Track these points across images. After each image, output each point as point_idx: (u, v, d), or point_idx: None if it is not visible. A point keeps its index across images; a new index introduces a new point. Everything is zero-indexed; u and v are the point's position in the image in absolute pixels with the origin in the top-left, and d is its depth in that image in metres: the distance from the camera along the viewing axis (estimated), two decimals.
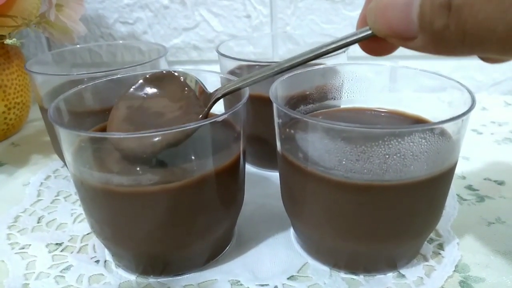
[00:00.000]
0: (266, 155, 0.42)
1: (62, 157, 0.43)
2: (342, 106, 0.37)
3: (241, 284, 0.29)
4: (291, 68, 0.27)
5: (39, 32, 0.50)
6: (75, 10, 0.51)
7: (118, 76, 0.35)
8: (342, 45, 0.25)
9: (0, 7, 0.41)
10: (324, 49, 0.26)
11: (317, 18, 0.61)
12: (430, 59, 0.61)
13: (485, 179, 0.41)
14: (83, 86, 0.33)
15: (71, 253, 0.33)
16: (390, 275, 0.30)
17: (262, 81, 0.28)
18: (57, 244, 0.34)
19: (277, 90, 0.31)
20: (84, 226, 0.36)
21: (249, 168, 0.44)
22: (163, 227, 0.28)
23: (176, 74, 0.32)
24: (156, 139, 0.26)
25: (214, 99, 0.30)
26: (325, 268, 0.30)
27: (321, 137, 0.26)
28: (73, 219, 0.37)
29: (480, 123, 0.53)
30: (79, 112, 0.32)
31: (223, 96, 0.30)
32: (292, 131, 0.28)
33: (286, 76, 0.32)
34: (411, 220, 0.27)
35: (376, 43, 0.24)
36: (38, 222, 0.37)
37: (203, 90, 0.31)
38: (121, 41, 0.62)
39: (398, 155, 0.24)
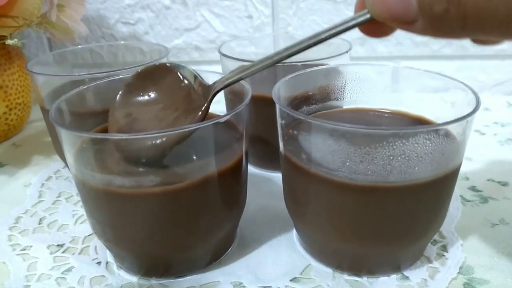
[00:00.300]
0: (269, 156, 0.42)
1: (63, 158, 0.43)
2: (344, 107, 0.37)
3: (243, 286, 0.29)
4: (290, 56, 0.27)
5: (41, 32, 0.50)
6: (77, 11, 0.51)
7: (120, 76, 0.34)
8: (341, 30, 0.25)
9: (1, 8, 0.41)
10: (323, 35, 0.25)
11: (319, 18, 0.61)
12: (432, 60, 0.61)
13: (488, 180, 0.41)
14: (85, 87, 0.32)
15: (73, 254, 0.33)
16: (394, 277, 0.30)
17: (262, 70, 0.28)
18: (58, 245, 0.34)
19: (280, 91, 0.30)
20: (85, 228, 0.36)
21: (251, 169, 0.44)
22: (165, 229, 0.28)
23: (170, 66, 0.31)
24: (160, 140, 0.26)
25: (214, 91, 0.29)
26: (328, 270, 0.30)
27: (324, 138, 0.25)
28: (75, 220, 0.37)
29: (483, 123, 0.52)
30: (81, 113, 0.32)
31: (223, 87, 0.29)
32: (295, 132, 0.27)
33: (289, 77, 0.32)
34: (415, 221, 0.27)
35: (375, 25, 0.23)
36: (39, 223, 0.37)
37: (201, 82, 0.30)
38: (122, 42, 0.62)
39: (403, 156, 0.24)
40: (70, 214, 0.38)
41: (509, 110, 0.56)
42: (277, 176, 0.43)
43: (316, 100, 0.35)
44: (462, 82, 0.30)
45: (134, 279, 0.30)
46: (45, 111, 0.40)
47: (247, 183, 0.33)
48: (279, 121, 0.29)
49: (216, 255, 0.31)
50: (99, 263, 0.32)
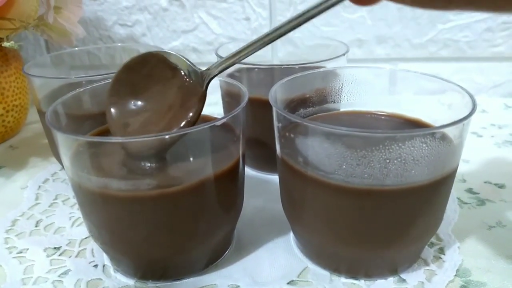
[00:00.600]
0: (265, 158, 0.42)
1: (60, 160, 0.42)
2: (341, 109, 0.37)
3: None
4: (280, 36, 0.27)
5: (38, 34, 0.50)
6: (74, 13, 0.51)
7: None
8: (329, 5, 0.25)
9: None
10: (312, 12, 0.25)
11: (317, 20, 0.60)
12: (429, 62, 0.61)
13: (485, 182, 0.41)
14: (81, 90, 0.32)
15: (69, 257, 0.33)
16: (391, 279, 0.29)
17: (254, 53, 0.28)
18: (55, 248, 0.34)
19: (277, 94, 0.30)
20: (82, 230, 0.36)
21: (248, 171, 0.44)
22: (161, 232, 0.28)
23: (158, 54, 0.30)
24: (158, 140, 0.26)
25: (210, 78, 0.29)
26: (325, 273, 0.30)
27: (321, 142, 0.25)
28: (71, 223, 0.37)
29: (480, 125, 0.52)
30: (77, 115, 0.32)
31: (218, 73, 0.29)
32: (292, 135, 0.27)
33: (286, 79, 0.32)
34: (412, 224, 0.27)
35: None
36: (36, 226, 0.37)
37: (192, 68, 0.30)
38: (120, 44, 0.62)
39: (399, 159, 0.24)
40: (67, 216, 0.38)
41: (506, 112, 0.57)
42: (274, 178, 0.42)
43: (313, 102, 0.35)
44: (458, 85, 0.30)
45: (131, 282, 0.30)
46: (41, 113, 0.40)
47: (244, 186, 0.33)
48: (275, 124, 0.29)
49: (213, 258, 0.31)
50: (95, 266, 0.32)
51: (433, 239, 0.33)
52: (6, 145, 0.53)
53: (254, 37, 0.63)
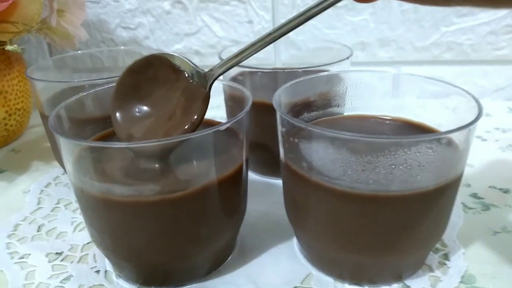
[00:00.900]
0: (269, 163, 0.42)
1: (62, 164, 0.42)
2: (345, 113, 0.37)
3: None
4: (282, 35, 0.27)
5: (41, 38, 0.50)
6: (77, 15, 0.51)
7: None
8: (330, 3, 0.25)
9: (1, 13, 0.41)
10: (313, 10, 0.25)
11: (319, 23, 0.61)
12: (433, 65, 0.61)
13: (490, 187, 0.40)
14: (84, 94, 0.32)
15: (71, 262, 0.33)
16: (395, 286, 0.29)
17: (256, 53, 0.28)
18: (57, 253, 0.34)
19: (281, 98, 0.30)
20: (84, 235, 0.36)
21: (251, 175, 0.44)
22: (164, 238, 0.28)
23: (161, 56, 0.30)
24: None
25: (213, 79, 0.29)
26: (328, 279, 0.30)
27: (325, 147, 0.25)
28: (74, 228, 0.37)
29: (484, 129, 0.52)
30: (80, 119, 0.32)
31: (221, 74, 0.29)
32: (296, 140, 0.27)
33: (290, 83, 0.32)
34: (417, 230, 0.27)
35: None
36: (38, 231, 0.37)
37: (195, 69, 0.30)
38: (122, 47, 0.62)
39: (405, 165, 0.24)
40: (69, 221, 0.38)
41: (510, 116, 0.56)
42: (277, 183, 0.42)
43: (317, 106, 0.35)
44: (463, 89, 0.30)
45: None
46: (44, 117, 0.40)
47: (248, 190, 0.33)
48: (279, 128, 0.29)
49: (216, 264, 0.31)
50: (97, 271, 0.32)
51: (437, 245, 0.32)
52: (8, 148, 0.53)
53: None
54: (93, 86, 0.34)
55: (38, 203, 0.41)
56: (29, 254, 0.34)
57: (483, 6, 0.19)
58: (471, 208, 0.37)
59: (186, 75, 0.30)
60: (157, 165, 0.28)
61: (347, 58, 0.40)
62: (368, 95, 0.36)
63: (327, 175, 0.26)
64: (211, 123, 0.33)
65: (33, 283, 0.31)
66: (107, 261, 0.32)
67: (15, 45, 0.41)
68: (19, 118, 0.52)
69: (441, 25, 0.58)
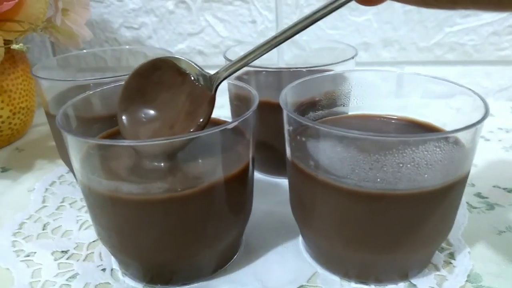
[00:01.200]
0: (274, 162, 0.42)
1: (67, 163, 0.42)
2: (350, 113, 0.37)
3: None
4: (288, 39, 0.27)
5: (44, 37, 0.50)
6: (81, 15, 0.51)
7: None
8: (335, 7, 0.25)
9: (7, 12, 0.41)
10: (318, 14, 0.26)
11: (323, 23, 0.61)
12: (435, 65, 0.61)
13: (494, 186, 0.40)
14: (91, 92, 0.32)
15: (77, 261, 0.33)
16: (402, 284, 0.29)
17: (261, 56, 0.28)
18: (62, 251, 0.34)
19: (287, 97, 0.30)
20: (89, 234, 0.36)
21: (256, 174, 0.44)
22: (171, 236, 0.28)
23: (167, 60, 0.30)
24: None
25: (218, 82, 0.30)
26: (335, 278, 0.30)
27: (333, 145, 0.25)
28: (79, 226, 0.37)
29: (487, 129, 0.52)
30: (87, 118, 0.32)
31: (226, 77, 0.29)
32: (303, 139, 0.27)
33: (296, 82, 0.32)
34: (423, 229, 0.27)
35: None
36: (43, 229, 0.37)
37: (201, 72, 0.30)
38: (127, 46, 0.62)
39: (412, 163, 0.24)
40: (74, 219, 0.38)
41: None
42: (282, 182, 0.42)
43: (322, 106, 0.35)
44: (469, 89, 0.30)
45: (139, 286, 0.30)
46: (50, 115, 0.40)
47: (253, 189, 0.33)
48: (286, 127, 0.29)
49: (222, 262, 0.31)
50: (103, 269, 0.32)
51: (443, 244, 0.32)
52: (12, 147, 0.53)
53: (260, 40, 0.64)
54: (98, 85, 0.34)
55: (43, 201, 0.41)
56: (35, 252, 0.34)
57: (489, 10, 0.19)
58: (475, 208, 0.37)
59: (192, 78, 0.30)
60: (165, 164, 0.28)
61: (352, 57, 0.40)
62: (373, 94, 0.36)
63: (334, 174, 0.26)
64: (217, 122, 0.33)
65: (39, 281, 0.31)
66: (113, 259, 0.32)
67: (21, 44, 0.41)
68: (23, 117, 0.52)
69: (444, 26, 0.59)
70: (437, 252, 0.32)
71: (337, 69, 0.38)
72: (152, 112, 0.31)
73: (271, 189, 0.41)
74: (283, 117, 0.29)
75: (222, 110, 0.39)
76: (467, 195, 0.39)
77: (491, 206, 0.38)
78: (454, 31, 0.59)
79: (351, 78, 0.36)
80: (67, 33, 0.49)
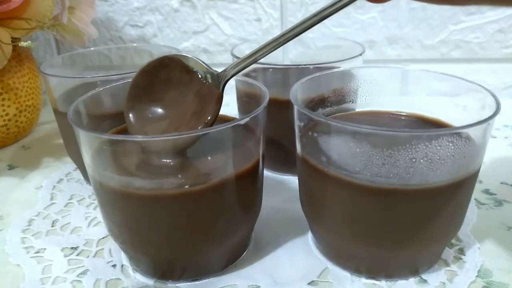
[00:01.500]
0: (281, 159, 0.42)
1: (76, 160, 0.43)
2: (358, 109, 0.37)
3: None
4: (296, 36, 0.27)
5: (53, 34, 0.50)
6: (87, 13, 0.51)
7: None
8: (344, 4, 0.25)
9: (15, 10, 0.41)
10: (327, 11, 0.26)
11: (328, 21, 0.61)
12: (441, 63, 0.61)
13: (501, 183, 0.41)
14: (101, 89, 0.32)
15: (87, 257, 0.33)
16: (412, 280, 0.29)
17: (269, 53, 0.28)
18: (72, 248, 0.34)
19: (297, 93, 0.30)
20: (99, 230, 0.36)
21: (264, 172, 0.44)
22: (183, 231, 0.28)
23: (174, 58, 0.30)
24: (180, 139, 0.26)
25: (226, 80, 0.30)
26: (345, 273, 0.30)
27: (346, 141, 0.25)
28: (88, 223, 0.37)
29: (493, 126, 0.52)
30: (97, 115, 0.32)
31: (234, 75, 0.30)
32: (314, 134, 0.27)
33: (305, 79, 0.32)
34: (434, 224, 0.27)
35: None
36: (52, 226, 0.37)
37: (208, 70, 0.30)
38: (134, 44, 0.62)
39: (425, 159, 0.24)
40: (83, 216, 0.38)
41: None
42: (289, 179, 0.42)
43: (331, 102, 0.35)
44: (480, 85, 0.30)
45: (150, 282, 0.30)
46: (58, 112, 0.40)
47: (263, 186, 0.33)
48: (297, 123, 0.29)
49: (232, 258, 0.31)
50: (114, 266, 0.32)
51: (452, 240, 0.33)
52: (18, 145, 0.53)
53: (266, 38, 0.64)
54: (105, 83, 0.34)
55: (51, 198, 0.41)
56: (45, 249, 0.34)
57: (500, 5, 0.19)
58: (484, 204, 0.37)
59: (199, 76, 0.30)
60: (177, 159, 0.28)
61: (360, 55, 0.40)
62: (381, 91, 0.36)
63: (346, 169, 0.26)
64: (225, 119, 0.34)
65: (50, 277, 0.31)
66: (123, 256, 0.32)
67: (29, 42, 0.41)
68: (29, 115, 0.52)
69: (449, 23, 0.59)
70: (446, 248, 0.32)
71: (345, 66, 0.38)
72: (159, 109, 0.31)
73: (278, 186, 0.41)
74: (294, 113, 0.29)
75: (227, 108, 0.39)
76: (475, 192, 0.39)
77: (499, 203, 0.38)
78: (459, 28, 0.59)
79: (359, 75, 0.36)
80: (73, 31, 0.49)
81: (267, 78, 0.42)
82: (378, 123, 0.33)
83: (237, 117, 0.40)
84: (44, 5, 0.43)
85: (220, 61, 0.65)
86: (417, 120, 0.33)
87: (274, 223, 0.36)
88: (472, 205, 0.37)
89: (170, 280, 0.30)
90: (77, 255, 0.33)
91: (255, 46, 0.29)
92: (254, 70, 0.42)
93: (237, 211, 0.29)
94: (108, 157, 0.27)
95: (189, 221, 0.27)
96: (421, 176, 0.25)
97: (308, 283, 0.29)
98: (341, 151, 0.26)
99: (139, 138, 0.27)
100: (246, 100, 0.39)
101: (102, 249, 0.34)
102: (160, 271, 0.30)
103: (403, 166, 0.24)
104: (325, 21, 0.64)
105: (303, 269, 0.31)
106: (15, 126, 0.51)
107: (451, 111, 0.32)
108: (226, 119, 0.34)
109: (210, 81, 0.30)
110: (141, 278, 0.30)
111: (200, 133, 0.27)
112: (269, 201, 0.38)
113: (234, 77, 0.35)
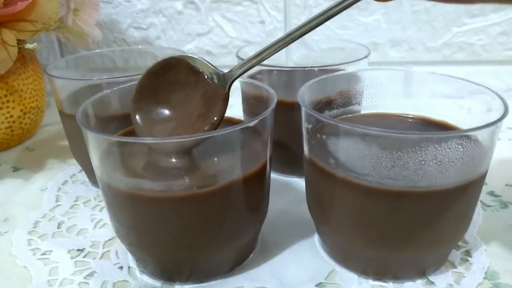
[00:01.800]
0: (287, 161, 0.42)
1: (81, 161, 0.43)
2: (363, 111, 0.37)
3: None
4: (302, 35, 0.27)
5: (52, 37, 0.50)
6: (91, 15, 0.52)
7: None
8: (351, 2, 0.25)
9: (21, 12, 0.41)
10: (333, 10, 0.26)
11: (331, 23, 0.61)
12: (444, 65, 0.61)
13: (506, 185, 0.41)
14: (109, 91, 0.32)
15: (94, 259, 0.33)
16: (419, 282, 0.29)
17: (275, 54, 0.28)
18: (79, 250, 0.34)
19: (305, 95, 0.30)
20: (105, 232, 0.36)
21: None
22: (190, 233, 0.28)
23: (180, 58, 0.30)
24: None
25: (232, 80, 0.30)
26: (353, 275, 0.30)
27: (355, 143, 0.25)
28: (94, 225, 0.37)
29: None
30: (105, 116, 0.32)
31: (240, 75, 0.30)
32: (323, 137, 0.27)
33: (312, 81, 0.32)
34: (442, 226, 0.27)
35: None
36: (58, 228, 0.37)
37: (214, 71, 0.30)
38: (138, 46, 0.62)
39: (434, 161, 0.24)
40: (89, 218, 0.38)
41: None
42: (295, 181, 0.42)
43: (337, 104, 0.35)
44: (486, 87, 0.30)
45: (157, 284, 0.30)
46: (63, 114, 0.40)
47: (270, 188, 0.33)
48: (304, 125, 0.29)
49: (239, 260, 0.31)
50: (121, 267, 0.32)
51: (459, 242, 0.33)
52: (22, 147, 0.53)
53: (269, 40, 0.64)
54: (111, 85, 0.34)
55: (56, 200, 0.41)
56: (51, 251, 0.34)
57: (506, 3, 0.19)
58: (489, 206, 0.38)
59: (205, 76, 0.30)
60: (185, 161, 0.28)
61: (366, 57, 0.40)
62: (386, 93, 0.36)
63: (355, 171, 0.26)
64: (231, 121, 0.34)
65: (57, 279, 0.31)
66: (130, 257, 0.32)
67: (35, 43, 0.41)
68: (33, 116, 0.52)
69: (452, 26, 0.59)
70: (453, 249, 0.32)
71: (350, 68, 0.38)
72: (166, 110, 0.31)
73: (284, 188, 0.41)
74: (301, 115, 0.29)
75: (232, 109, 0.39)
76: (481, 194, 0.39)
77: (504, 205, 0.38)
78: (462, 31, 0.59)
79: (365, 77, 0.36)
80: (78, 33, 0.49)
81: (272, 80, 0.42)
82: (385, 125, 0.33)
83: (242, 119, 0.40)
84: (49, 7, 0.43)
85: (223, 63, 0.65)
86: (424, 122, 0.33)
87: (280, 225, 0.36)
88: (477, 207, 0.37)
89: (177, 282, 0.30)
90: (83, 257, 0.33)
91: (259, 49, 0.29)
92: (260, 72, 0.42)
93: (245, 213, 0.29)
94: (117, 159, 0.27)
95: (196, 223, 0.27)
96: (430, 179, 0.25)
97: (316, 285, 0.29)
98: (350, 153, 0.26)
99: (149, 140, 0.27)
100: (253, 102, 0.40)
101: (109, 251, 0.34)
102: (167, 273, 0.30)
103: (413, 168, 0.24)
104: (328, 23, 0.64)
105: (310, 271, 0.31)
106: (19, 128, 0.51)
107: (456, 113, 0.32)
108: (232, 121, 0.34)
109: (216, 82, 0.30)
110: (148, 280, 0.30)
111: (209, 135, 0.27)
112: (275, 203, 0.38)
113: (240, 79, 0.35)
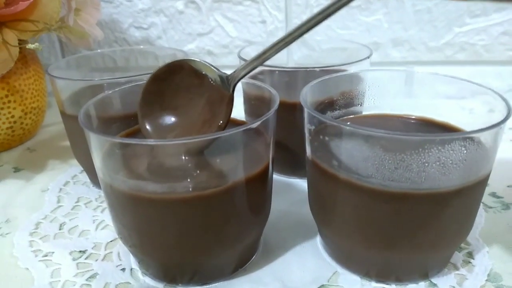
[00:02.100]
0: (288, 162, 0.42)
1: (82, 162, 0.42)
2: (365, 112, 0.37)
3: None
4: (303, 34, 0.27)
5: (53, 37, 0.50)
6: (92, 15, 0.51)
7: (144, 81, 0.34)
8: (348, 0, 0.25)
9: (22, 12, 0.41)
10: (332, 8, 0.26)
11: (333, 23, 0.61)
12: (446, 65, 0.61)
13: (508, 186, 0.41)
14: (110, 92, 0.32)
15: (96, 260, 0.33)
16: (422, 284, 0.29)
17: (277, 54, 0.28)
18: (80, 251, 0.34)
19: (307, 96, 0.30)
20: (107, 233, 0.36)
21: None
22: (193, 235, 0.28)
23: (183, 62, 0.31)
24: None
25: (236, 81, 0.30)
26: (355, 277, 0.30)
27: (359, 144, 0.25)
28: (96, 226, 0.37)
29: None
30: (106, 117, 0.32)
31: (243, 76, 0.30)
32: (326, 138, 0.27)
33: (315, 82, 0.32)
34: (445, 228, 0.27)
35: None
36: (60, 229, 0.37)
37: (217, 73, 0.30)
38: (139, 46, 0.62)
39: (438, 163, 0.24)
40: (91, 219, 0.38)
41: None
42: (297, 182, 0.42)
43: (339, 105, 0.35)
44: (489, 88, 0.30)
45: (159, 286, 0.30)
46: (64, 115, 0.40)
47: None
48: (307, 126, 0.29)
49: (242, 262, 0.31)
50: (123, 269, 0.32)
51: (461, 244, 0.33)
52: (23, 147, 0.53)
53: (270, 40, 0.64)
54: (112, 85, 0.34)
55: (58, 201, 0.41)
56: (53, 252, 0.34)
57: (508, 1, 0.19)
58: (491, 207, 0.37)
59: (209, 79, 0.30)
60: (188, 163, 0.28)
61: (368, 57, 0.40)
62: (387, 94, 0.36)
63: (358, 173, 0.26)
64: (235, 122, 0.34)
65: (59, 281, 0.31)
66: (132, 259, 0.32)
67: (37, 44, 0.41)
68: (34, 117, 0.52)
69: (454, 26, 0.59)
70: (455, 251, 0.32)
71: (352, 69, 0.38)
72: (173, 115, 0.31)
73: (286, 190, 0.41)
74: (304, 116, 0.29)
75: (233, 110, 0.39)
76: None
77: (506, 206, 0.38)
78: (464, 31, 0.59)
79: (367, 78, 0.36)
80: (79, 33, 0.49)
81: (274, 80, 0.42)
82: (388, 127, 0.33)
83: (244, 120, 0.40)
84: (51, 7, 0.43)
85: (224, 63, 0.65)
86: (427, 124, 0.33)
87: (282, 227, 0.36)
88: (480, 209, 0.37)
89: (179, 284, 0.30)
90: (85, 258, 0.33)
91: (261, 48, 0.29)
92: (261, 73, 0.42)
93: (247, 215, 0.29)
94: (119, 160, 0.27)
95: (199, 225, 0.27)
96: (433, 180, 0.25)
97: (319, 287, 0.29)
98: (353, 155, 0.26)
99: (152, 142, 0.27)
100: (255, 103, 0.39)
101: (111, 252, 0.33)
102: (170, 275, 0.30)
103: (416, 170, 0.24)
104: (330, 23, 0.64)
105: (312, 273, 0.31)
106: (20, 128, 0.51)
107: (458, 114, 0.32)
108: (235, 122, 0.34)
109: (220, 84, 0.30)
110: (150, 282, 0.30)
111: (211, 137, 0.27)
112: (276, 204, 0.38)
113: (242, 80, 0.35)
